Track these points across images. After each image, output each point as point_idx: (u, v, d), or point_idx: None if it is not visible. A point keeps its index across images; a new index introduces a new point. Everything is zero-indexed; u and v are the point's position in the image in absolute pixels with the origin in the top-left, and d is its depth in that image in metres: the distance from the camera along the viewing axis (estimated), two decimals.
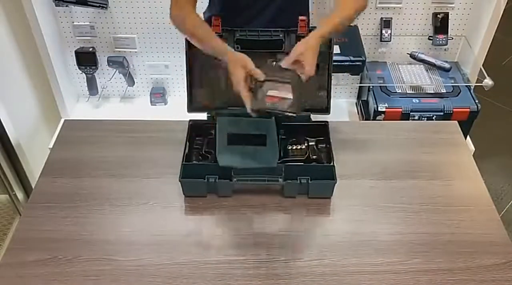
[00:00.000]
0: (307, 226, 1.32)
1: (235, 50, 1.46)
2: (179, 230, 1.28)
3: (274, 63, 1.20)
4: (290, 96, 1.14)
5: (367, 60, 2.02)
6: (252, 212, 1.32)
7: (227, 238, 1.27)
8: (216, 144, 1.30)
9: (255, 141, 1.26)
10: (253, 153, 1.26)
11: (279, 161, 1.39)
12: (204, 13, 1.62)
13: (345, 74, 2.15)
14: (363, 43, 2.04)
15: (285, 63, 1.26)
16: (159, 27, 2.09)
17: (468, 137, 2.10)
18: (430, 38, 2.13)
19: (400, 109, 2.01)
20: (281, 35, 1.45)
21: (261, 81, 1.17)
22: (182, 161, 1.36)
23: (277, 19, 1.50)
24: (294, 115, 1.15)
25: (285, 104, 1.13)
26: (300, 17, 1.44)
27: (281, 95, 1.13)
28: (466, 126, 1.94)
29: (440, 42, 2.10)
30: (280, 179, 1.32)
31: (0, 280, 1.17)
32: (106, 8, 2.02)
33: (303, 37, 1.44)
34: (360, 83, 2.25)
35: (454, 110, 2.00)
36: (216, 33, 1.45)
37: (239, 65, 1.26)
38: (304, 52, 1.24)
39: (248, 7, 1.50)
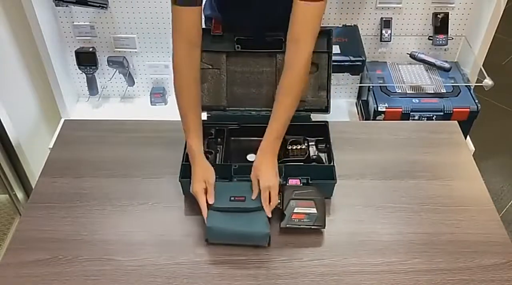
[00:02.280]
0: None
1: (235, 50, 1.46)
2: (179, 230, 1.28)
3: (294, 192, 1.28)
4: (314, 211, 1.24)
5: (367, 60, 2.02)
6: None
7: None
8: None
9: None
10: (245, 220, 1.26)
11: (279, 161, 1.39)
12: (204, 9, 1.61)
13: (345, 74, 2.15)
14: (363, 43, 2.04)
15: (253, 196, 1.26)
16: (159, 27, 2.09)
17: (468, 137, 2.10)
18: (430, 38, 2.13)
19: (400, 109, 2.01)
20: (281, 35, 1.45)
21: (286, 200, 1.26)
22: (182, 161, 1.36)
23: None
24: (322, 229, 1.25)
25: (311, 219, 1.24)
26: None
27: (306, 211, 1.24)
28: (466, 126, 1.94)
29: (440, 42, 2.10)
30: (280, 179, 1.31)
31: (0, 280, 1.17)
32: (106, 8, 2.02)
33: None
34: (360, 83, 2.25)
35: (454, 110, 2.00)
36: (216, 33, 1.45)
37: (202, 177, 1.26)
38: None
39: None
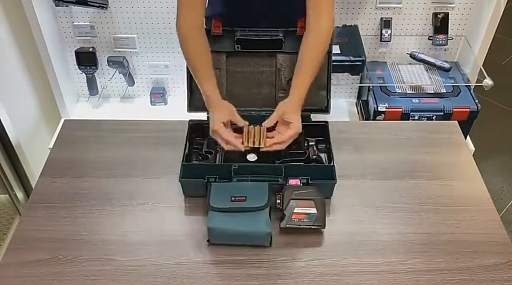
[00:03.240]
0: None
1: (235, 50, 1.46)
2: (179, 230, 1.28)
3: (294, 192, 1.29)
4: (314, 211, 1.24)
5: (367, 60, 2.02)
6: None
7: None
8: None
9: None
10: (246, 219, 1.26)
11: (279, 161, 1.39)
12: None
13: (345, 74, 2.15)
14: (363, 43, 2.04)
15: (268, 123, 1.33)
16: (159, 27, 2.09)
17: (468, 137, 2.10)
18: (430, 38, 2.13)
19: (400, 109, 2.01)
20: (281, 35, 1.45)
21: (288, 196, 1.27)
22: (182, 161, 1.36)
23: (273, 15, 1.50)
24: (322, 229, 1.25)
25: (311, 219, 1.24)
26: (299, 20, 1.44)
27: (306, 211, 1.24)
28: (466, 126, 1.94)
29: (440, 42, 2.10)
30: (280, 179, 1.32)
31: (0, 280, 1.17)
32: (106, 8, 2.02)
33: (303, 37, 1.44)
34: (360, 83, 2.25)
35: (454, 110, 2.00)
36: (216, 33, 1.45)
37: (221, 118, 1.29)
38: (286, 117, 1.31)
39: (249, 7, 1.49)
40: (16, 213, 2.06)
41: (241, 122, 1.33)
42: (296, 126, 1.30)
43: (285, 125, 1.32)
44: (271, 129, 1.34)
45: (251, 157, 1.42)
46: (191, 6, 1.32)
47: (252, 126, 1.33)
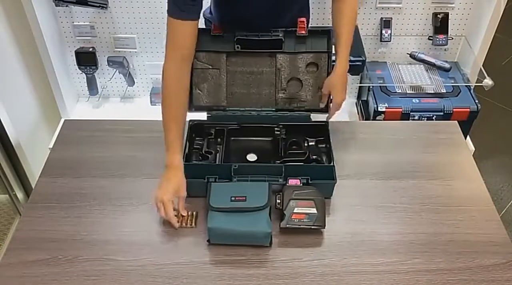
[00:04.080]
0: None
1: (235, 50, 1.46)
2: (179, 230, 1.28)
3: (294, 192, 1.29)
4: (314, 211, 1.25)
5: (367, 60, 2.01)
6: None
7: None
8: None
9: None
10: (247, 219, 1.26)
11: (279, 161, 1.39)
12: (203, 12, 1.61)
13: None
14: (363, 43, 2.03)
15: (322, 104, 1.50)
16: (159, 27, 2.09)
17: (468, 137, 2.10)
18: (430, 38, 2.13)
19: (400, 109, 2.00)
20: (281, 35, 1.45)
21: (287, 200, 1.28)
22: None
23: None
24: (322, 229, 1.26)
25: (311, 219, 1.24)
26: (299, 19, 1.44)
27: (306, 211, 1.25)
28: (466, 126, 1.94)
29: (440, 42, 2.10)
30: (280, 179, 1.32)
31: (0, 280, 1.17)
32: (106, 8, 2.01)
33: (303, 37, 1.44)
34: (360, 83, 2.25)
35: (454, 110, 2.00)
36: (216, 33, 1.45)
37: (174, 189, 1.25)
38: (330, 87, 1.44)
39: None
40: (16, 213, 2.06)
41: (183, 211, 1.29)
42: (338, 97, 1.43)
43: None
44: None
45: (251, 157, 1.42)
46: (179, 54, 1.30)
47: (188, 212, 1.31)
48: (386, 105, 2.01)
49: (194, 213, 1.31)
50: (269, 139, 1.49)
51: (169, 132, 1.29)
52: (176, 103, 1.31)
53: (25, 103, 2.13)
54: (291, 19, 1.46)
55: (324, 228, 1.24)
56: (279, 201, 1.27)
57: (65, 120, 1.72)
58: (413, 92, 2.07)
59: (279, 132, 1.47)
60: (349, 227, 1.29)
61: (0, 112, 1.83)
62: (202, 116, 1.50)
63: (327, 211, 1.29)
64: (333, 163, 1.35)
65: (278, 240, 1.25)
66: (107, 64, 2.16)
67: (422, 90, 2.08)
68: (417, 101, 2.03)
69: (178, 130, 1.30)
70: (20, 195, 2.00)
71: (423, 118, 2.01)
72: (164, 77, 1.29)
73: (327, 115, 1.50)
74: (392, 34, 2.10)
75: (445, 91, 2.07)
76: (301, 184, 1.30)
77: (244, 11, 1.43)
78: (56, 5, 2.01)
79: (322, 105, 1.50)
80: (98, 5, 1.99)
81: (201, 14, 1.72)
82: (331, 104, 1.47)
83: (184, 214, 1.29)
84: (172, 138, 1.28)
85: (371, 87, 2.10)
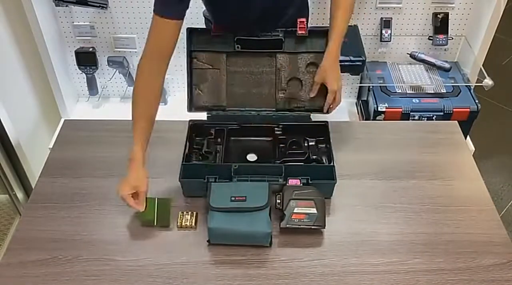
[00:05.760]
0: None
1: (235, 50, 1.46)
2: (179, 230, 1.28)
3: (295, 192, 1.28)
4: (314, 211, 1.24)
5: (367, 60, 2.02)
6: None
7: None
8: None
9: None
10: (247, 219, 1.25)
11: (279, 161, 1.39)
12: (203, 13, 1.62)
13: (345, 74, 2.14)
14: (363, 43, 2.03)
15: (311, 93, 1.46)
16: None
17: (468, 137, 2.10)
18: (430, 38, 2.13)
19: (400, 109, 2.01)
20: (281, 35, 1.45)
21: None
22: (182, 161, 1.36)
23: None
24: (322, 229, 1.26)
25: (311, 219, 1.24)
26: (299, 19, 1.44)
27: (306, 211, 1.25)
28: (466, 126, 1.94)
29: (440, 42, 2.10)
30: (280, 179, 1.32)
31: (0, 280, 1.17)
32: (106, 8, 2.02)
33: (303, 37, 1.44)
34: (360, 83, 2.25)
35: (454, 110, 2.00)
36: (216, 34, 1.45)
37: (133, 183, 1.23)
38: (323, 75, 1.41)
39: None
40: (16, 213, 2.06)
41: (141, 207, 1.26)
42: (331, 84, 1.40)
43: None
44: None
45: (251, 156, 1.42)
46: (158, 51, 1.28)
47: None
48: (386, 105, 2.01)
49: (194, 213, 1.31)
50: (269, 139, 1.49)
51: (134, 127, 1.27)
52: (143, 102, 1.29)
53: (25, 103, 2.13)
54: (290, 19, 1.46)
55: (324, 228, 1.24)
56: (279, 201, 1.27)
57: (65, 120, 1.72)
58: (413, 92, 2.08)
59: (279, 132, 1.47)
60: (349, 227, 1.29)
61: (0, 112, 1.83)
62: (202, 116, 1.49)
63: (327, 211, 1.29)
64: (333, 163, 1.35)
65: (278, 240, 1.25)
66: (107, 64, 2.16)
67: (422, 90, 2.08)
68: (417, 101, 2.03)
69: (143, 125, 1.28)
70: (20, 195, 2.00)
71: (423, 118, 2.01)
72: (137, 73, 1.29)
73: (327, 114, 1.49)
74: (392, 34, 2.10)
75: (445, 91, 2.07)
76: (301, 184, 1.30)
77: (243, 12, 1.43)
78: (56, 5, 2.01)
79: (312, 95, 1.47)
80: (98, 5, 1.99)
81: (201, 14, 1.73)
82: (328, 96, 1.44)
83: (142, 210, 1.26)
84: (134, 133, 1.27)
85: (371, 87, 2.10)
